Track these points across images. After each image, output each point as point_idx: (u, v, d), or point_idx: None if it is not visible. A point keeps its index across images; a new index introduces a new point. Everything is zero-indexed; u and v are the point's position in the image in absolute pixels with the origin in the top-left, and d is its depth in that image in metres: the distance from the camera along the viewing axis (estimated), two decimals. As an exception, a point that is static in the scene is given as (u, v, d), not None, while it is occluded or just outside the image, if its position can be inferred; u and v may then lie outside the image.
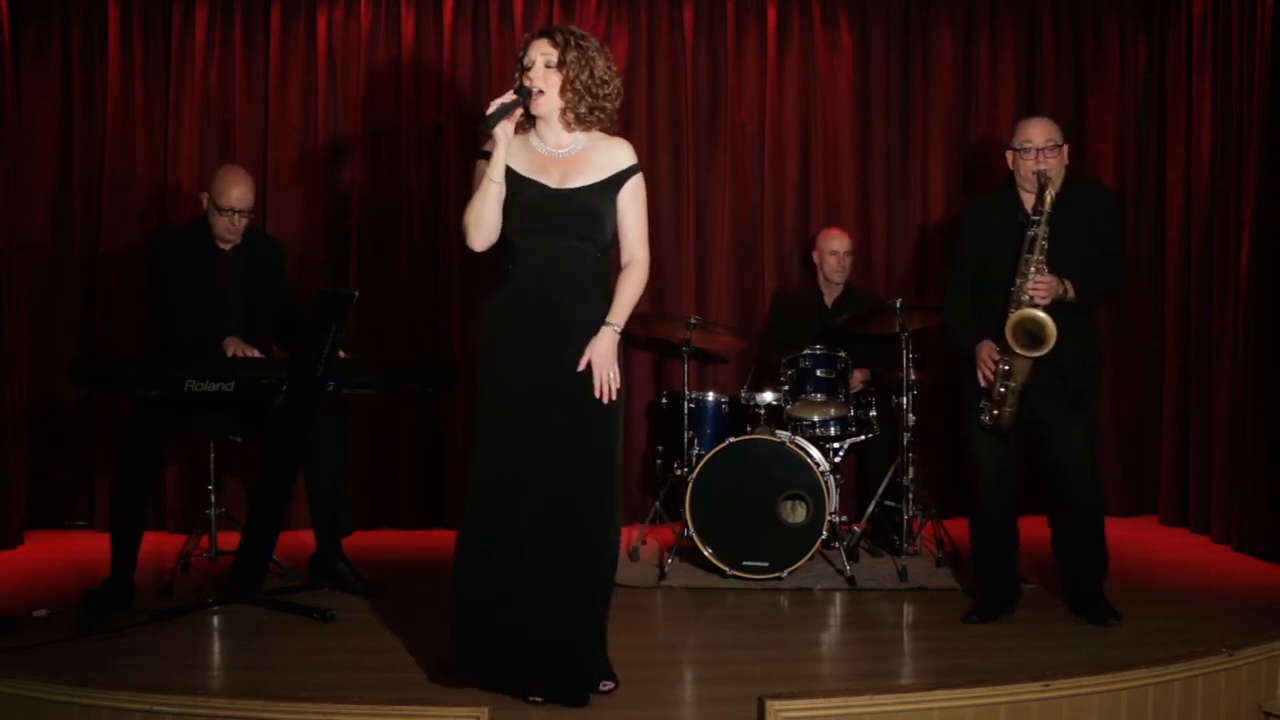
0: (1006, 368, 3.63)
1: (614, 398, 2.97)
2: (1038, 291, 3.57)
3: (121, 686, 2.70)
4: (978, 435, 3.76)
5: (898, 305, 4.54)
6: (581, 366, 2.95)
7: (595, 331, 2.98)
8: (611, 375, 2.96)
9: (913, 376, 4.62)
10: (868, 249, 5.71)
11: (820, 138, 5.78)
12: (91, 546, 4.79)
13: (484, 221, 2.97)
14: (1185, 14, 5.47)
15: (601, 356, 2.96)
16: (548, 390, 2.96)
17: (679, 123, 5.73)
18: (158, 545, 4.89)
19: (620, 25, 5.71)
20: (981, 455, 3.78)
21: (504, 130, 2.95)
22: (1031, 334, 3.56)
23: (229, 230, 4.14)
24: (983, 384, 3.69)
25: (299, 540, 4.69)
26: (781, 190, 5.79)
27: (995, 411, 3.68)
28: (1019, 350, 3.58)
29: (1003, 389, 3.65)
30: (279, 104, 5.60)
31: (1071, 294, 3.62)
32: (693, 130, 5.74)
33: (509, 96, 2.96)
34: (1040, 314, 3.55)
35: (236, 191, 4.10)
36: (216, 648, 3.63)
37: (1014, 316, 3.58)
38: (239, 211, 4.11)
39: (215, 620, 3.83)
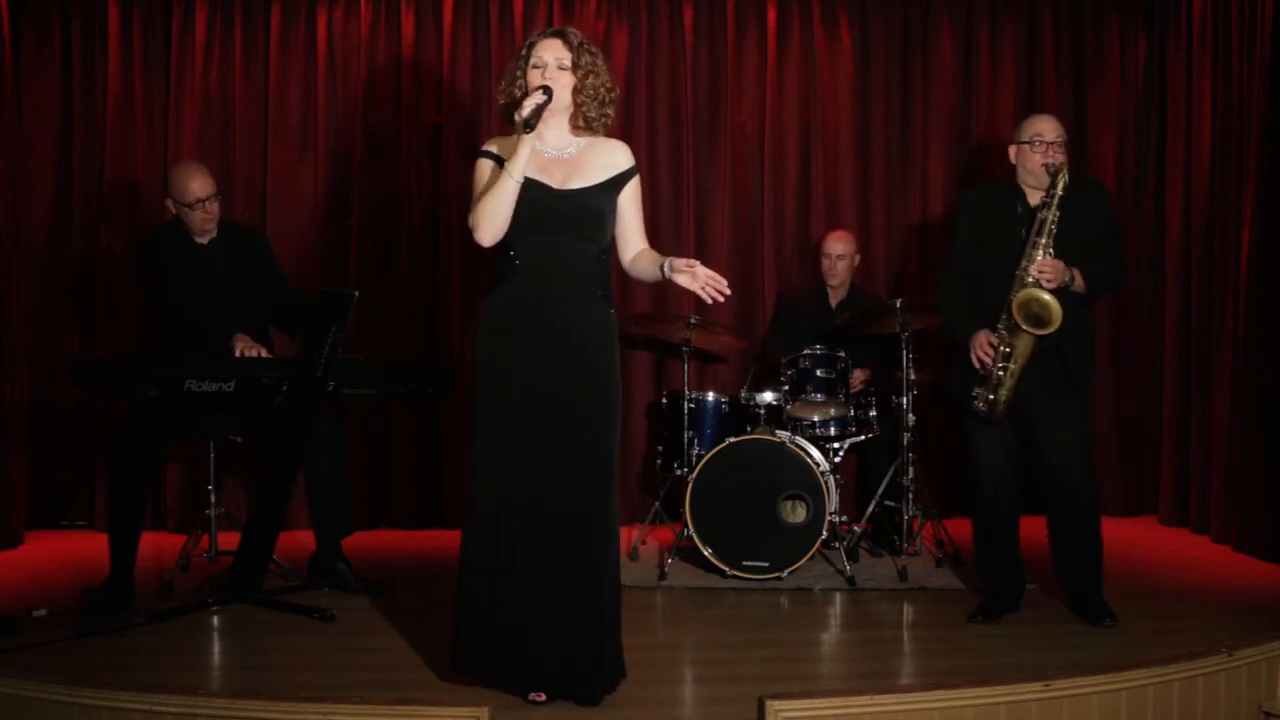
0: (1007, 349, 3.64)
1: (727, 292, 2.97)
2: (1044, 274, 3.58)
3: (121, 686, 2.70)
4: (979, 433, 3.77)
5: (898, 305, 4.54)
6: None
7: (598, 334, 3.00)
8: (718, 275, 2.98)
9: (913, 376, 4.62)
10: (868, 249, 5.71)
11: (820, 138, 5.78)
12: (91, 546, 4.79)
13: (498, 218, 2.95)
14: (1185, 14, 5.46)
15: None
16: (550, 392, 2.96)
17: (679, 123, 5.73)
18: (158, 545, 4.89)
19: (620, 25, 5.71)
20: (983, 454, 3.78)
21: (536, 131, 2.96)
22: (1036, 316, 3.57)
23: (204, 221, 4.15)
24: (978, 367, 3.68)
25: (299, 540, 4.69)
26: (781, 190, 5.79)
27: (990, 397, 3.68)
28: (1025, 327, 3.59)
29: (1001, 370, 3.65)
30: (279, 104, 5.60)
31: (1080, 283, 3.64)
32: (693, 130, 5.73)
33: (540, 96, 2.95)
34: (1046, 295, 3.56)
35: (195, 184, 4.12)
36: (216, 648, 3.63)
37: (1020, 295, 3.59)
38: (205, 200, 4.12)
39: (215, 620, 3.83)
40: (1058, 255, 3.61)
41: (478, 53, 5.67)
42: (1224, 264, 5.07)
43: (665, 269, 3.02)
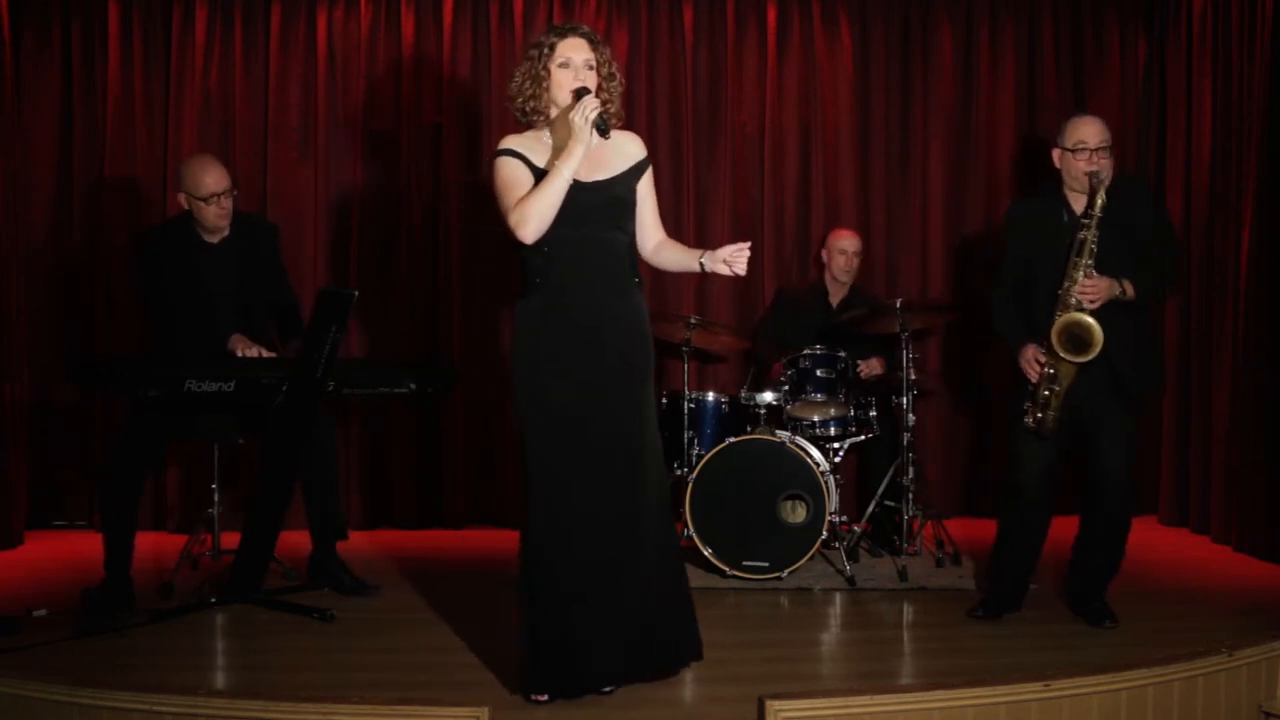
0: (1051, 371, 3.60)
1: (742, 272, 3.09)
2: (1086, 295, 3.53)
3: (121, 686, 2.71)
4: (1026, 436, 3.72)
5: (898, 305, 4.54)
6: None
7: (641, 324, 3.09)
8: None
9: (913, 376, 4.62)
10: (868, 249, 5.70)
11: (820, 137, 5.78)
12: (91, 546, 4.76)
13: (547, 217, 2.96)
14: (1185, 14, 5.46)
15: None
16: (606, 387, 3.01)
17: (679, 123, 5.73)
18: (158, 545, 4.89)
19: (620, 25, 5.71)
20: (1033, 461, 3.73)
21: (553, 127, 3.08)
22: (1078, 339, 3.53)
23: (220, 216, 4.08)
24: (1032, 381, 3.65)
25: (299, 540, 4.68)
26: (781, 190, 5.79)
27: (1039, 415, 3.64)
28: (1064, 355, 3.55)
29: (1047, 392, 3.62)
30: (279, 104, 5.60)
31: (1131, 293, 3.58)
32: (693, 130, 5.73)
33: (596, 102, 2.96)
34: (1087, 319, 3.51)
35: (210, 178, 4.04)
36: (216, 648, 3.63)
37: (1060, 321, 3.55)
38: (220, 194, 4.06)
39: (215, 620, 3.83)
40: (1105, 264, 3.54)
41: (478, 53, 5.67)
42: (1224, 264, 5.07)
43: (705, 264, 3.10)
